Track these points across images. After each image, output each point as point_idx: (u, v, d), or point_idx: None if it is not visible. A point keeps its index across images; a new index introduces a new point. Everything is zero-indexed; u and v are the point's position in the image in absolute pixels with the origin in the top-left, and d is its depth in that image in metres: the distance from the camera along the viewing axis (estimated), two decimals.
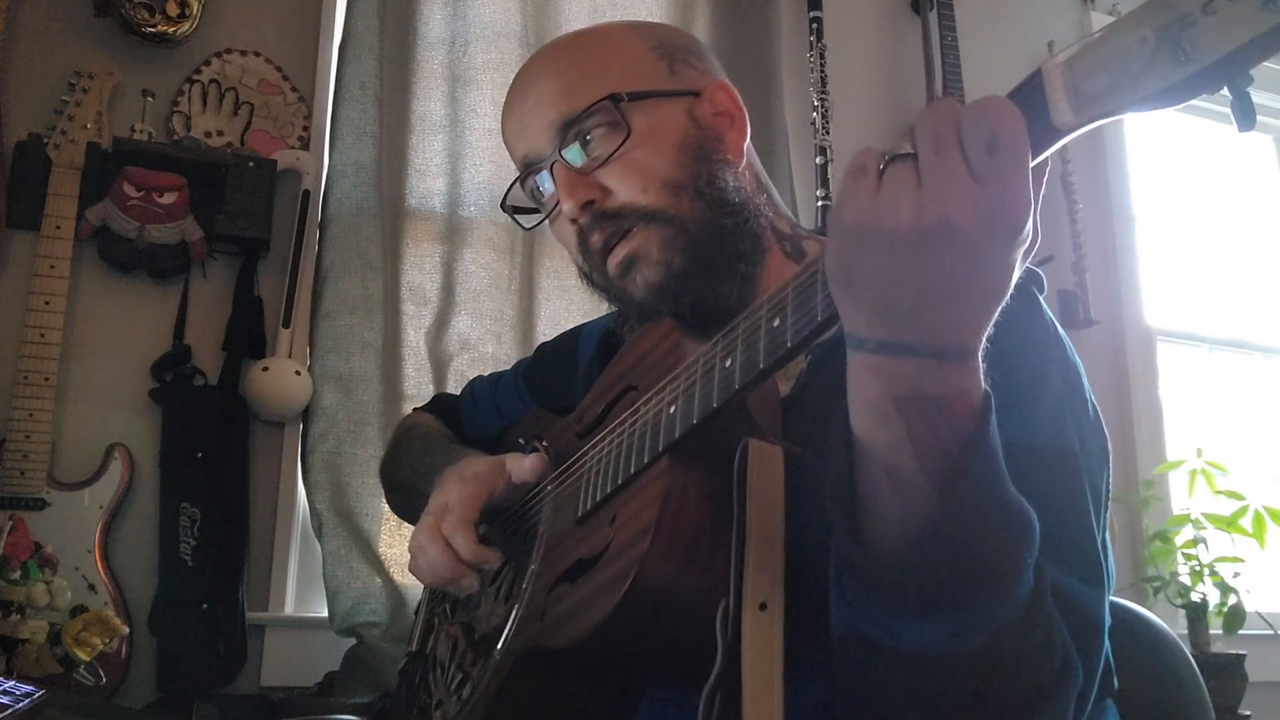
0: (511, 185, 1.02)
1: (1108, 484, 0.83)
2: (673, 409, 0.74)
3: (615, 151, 0.92)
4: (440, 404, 1.36)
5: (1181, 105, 0.49)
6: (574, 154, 0.93)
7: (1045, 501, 0.63)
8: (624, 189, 0.92)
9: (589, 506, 0.82)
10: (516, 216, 1.06)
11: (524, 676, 0.82)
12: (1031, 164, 0.54)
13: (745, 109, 0.99)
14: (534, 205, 1.02)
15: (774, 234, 0.97)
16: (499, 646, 0.86)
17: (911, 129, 0.56)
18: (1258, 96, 3.33)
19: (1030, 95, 0.54)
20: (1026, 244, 0.56)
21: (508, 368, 1.33)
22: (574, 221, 0.94)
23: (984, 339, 0.59)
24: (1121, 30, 0.50)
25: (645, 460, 0.75)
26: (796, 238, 0.98)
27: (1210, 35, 0.46)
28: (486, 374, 1.36)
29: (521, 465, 0.94)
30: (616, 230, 0.93)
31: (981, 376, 0.60)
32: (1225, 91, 0.49)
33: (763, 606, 0.67)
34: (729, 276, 0.92)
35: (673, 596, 0.70)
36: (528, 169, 0.98)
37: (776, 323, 0.66)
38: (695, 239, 0.91)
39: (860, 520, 0.64)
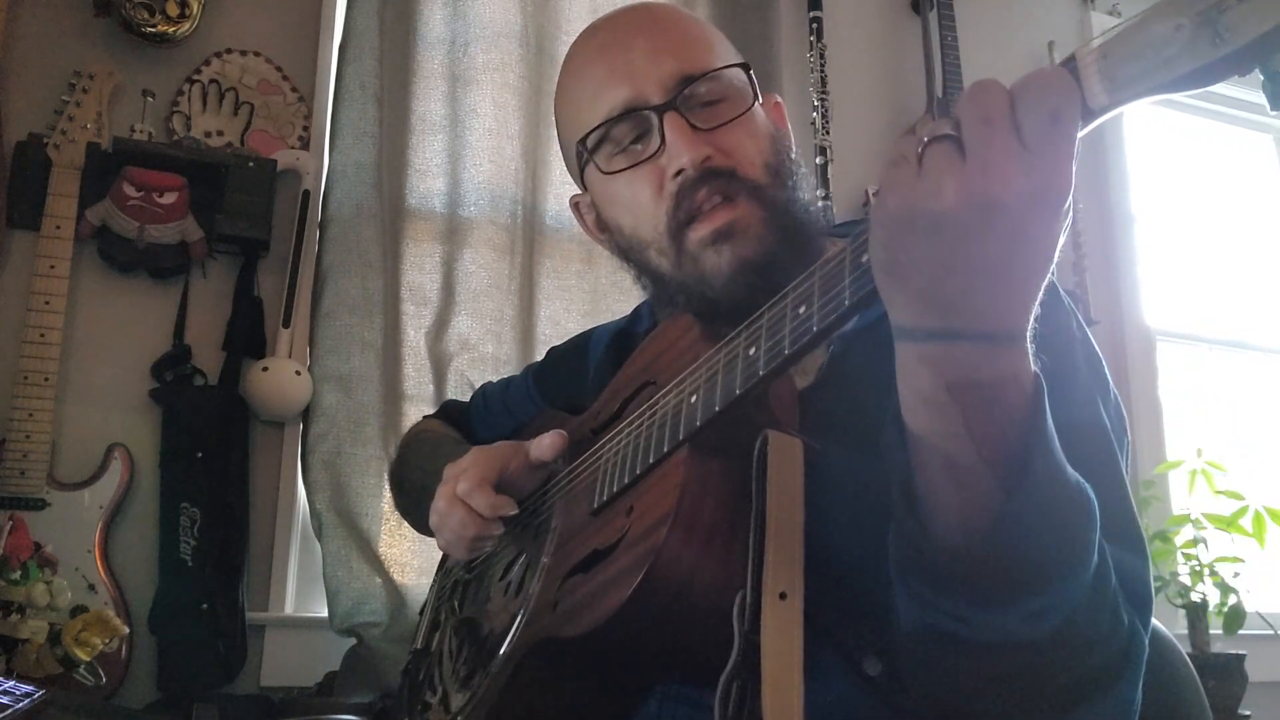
0: (598, 127, 0.94)
1: (1129, 462, 0.84)
2: (694, 399, 0.74)
3: (736, 117, 0.92)
4: (449, 410, 1.36)
5: (1212, 86, 0.51)
6: (687, 107, 0.91)
7: (1088, 478, 0.63)
8: (738, 153, 0.91)
9: (605, 498, 0.82)
10: (595, 158, 0.96)
11: (533, 669, 0.82)
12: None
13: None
14: (610, 148, 0.95)
15: None
16: (509, 639, 0.86)
17: (955, 110, 0.56)
18: (1258, 96, 3.30)
19: None
20: (1068, 219, 0.56)
21: (508, 367, 1.32)
22: (678, 175, 0.90)
23: (1031, 319, 0.59)
24: (1157, 18, 0.51)
25: (665, 450, 0.75)
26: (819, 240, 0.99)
27: (1245, 18, 0.48)
28: (495, 380, 1.36)
29: (541, 443, 0.94)
30: (723, 192, 0.89)
31: (1031, 359, 0.60)
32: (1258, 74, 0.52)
33: (783, 596, 0.68)
34: (804, 267, 0.91)
35: (689, 586, 0.70)
36: (628, 111, 0.92)
37: (803, 310, 0.66)
38: (788, 225, 0.91)
39: (922, 514, 0.64)
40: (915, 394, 0.61)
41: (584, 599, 0.77)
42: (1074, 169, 0.54)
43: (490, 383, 1.35)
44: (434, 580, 1.23)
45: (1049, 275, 0.58)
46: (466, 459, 0.96)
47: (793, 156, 0.96)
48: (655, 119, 0.91)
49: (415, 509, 1.23)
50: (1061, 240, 0.57)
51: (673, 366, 0.83)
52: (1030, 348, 0.60)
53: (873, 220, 0.59)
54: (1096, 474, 0.64)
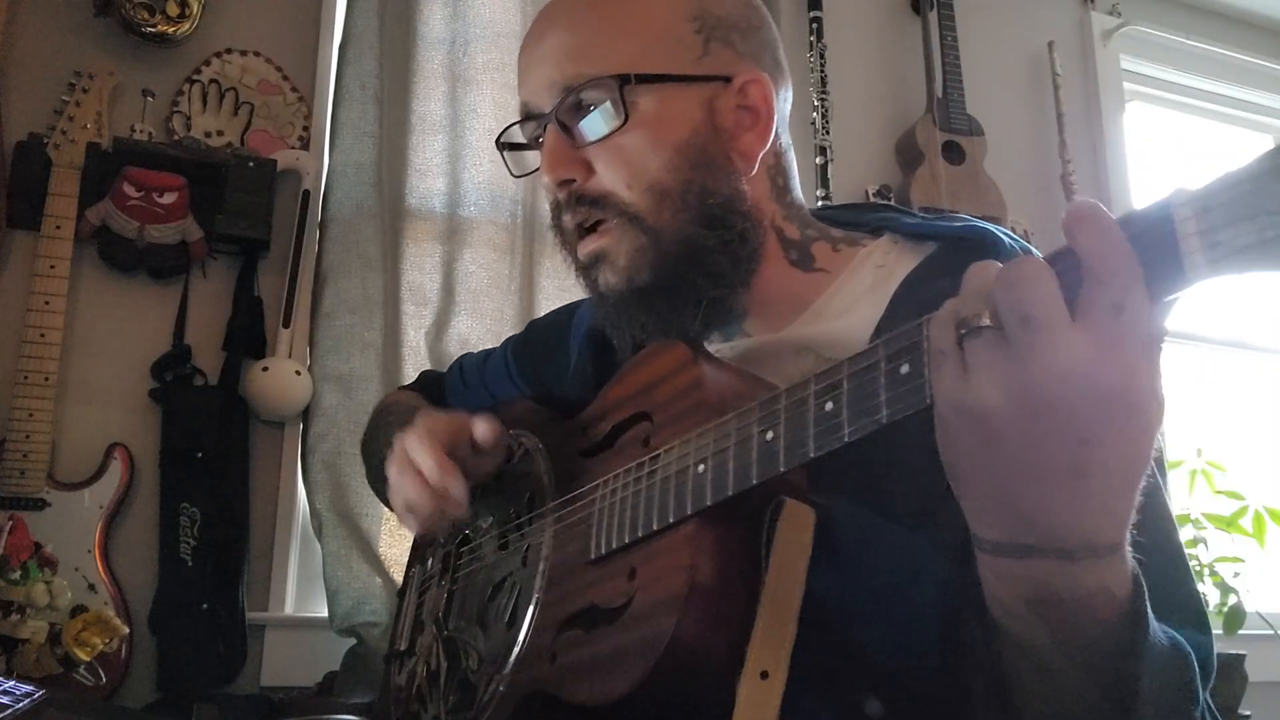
0: (509, 126, 0.95)
1: None
2: (701, 468, 0.70)
3: (608, 135, 0.85)
4: (425, 382, 1.32)
5: None
6: (569, 118, 0.87)
7: (1151, 555, 0.58)
8: (609, 176, 0.86)
9: (603, 550, 0.79)
10: (506, 156, 0.98)
11: (530, 716, 0.81)
12: (1156, 317, 0.48)
13: (775, 111, 0.91)
14: (528, 145, 0.96)
15: (780, 242, 0.92)
16: (503, 676, 0.85)
17: (991, 295, 0.49)
18: (1257, 96, 3.27)
19: (1159, 241, 0.46)
20: (1156, 422, 0.49)
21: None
22: (552, 193, 0.89)
23: (1128, 531, 0.52)
24: (1271, 169, 0.42)
25: (670, 519, 0.72)
26: (805, 242, 0.94)
27: None
28: (475, 351, 1.31)
29: (478, 428, 0.89)
30: (590, 218, 0.87)
31: (1127, 562, 0.54)
32: None
33: (764, 675, 0.65)
34: (698, 297, 0.87)
35: (700, 666, 0.68)
36: (525, 117, 0.92)
37: (829, 407, 0.59)
38: (668, 255, 0.85)
39: (1006, 693, 0.61)
40: (994, 601, 0.57)
41: (586, 665, 0.75)
42: (1154, 357, 0.48)
43: (469, 354, 1.30)
44: (409, 569, 1.21)
45: (1141, 484, 0.51)
46: (415, 429, 0.91)
47: (720, 159, 0.87)
48: (543, 129, 0.89)
49: (380, 482, 1.21)
50: (1153, 441, 0.50)
51: (671, 406, 0.79)
52: (1129, 552, 0.53)
53: (936, 420, 0.53)
54: (1159, 550, 0.60)
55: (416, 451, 0.87)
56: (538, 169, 0.90)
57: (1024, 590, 0.54)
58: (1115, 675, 0.55)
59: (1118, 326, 0.47)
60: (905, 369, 0.54)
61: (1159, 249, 0.46)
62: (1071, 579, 0.53)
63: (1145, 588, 0.55)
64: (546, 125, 0.88)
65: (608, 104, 0.85)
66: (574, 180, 0.87)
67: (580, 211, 0.88)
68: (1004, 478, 0.51)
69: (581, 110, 0.87)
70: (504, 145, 0.98)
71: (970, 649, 0.64)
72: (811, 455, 0.61)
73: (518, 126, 0.95)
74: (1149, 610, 0.56)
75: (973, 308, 0.50)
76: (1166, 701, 0.58)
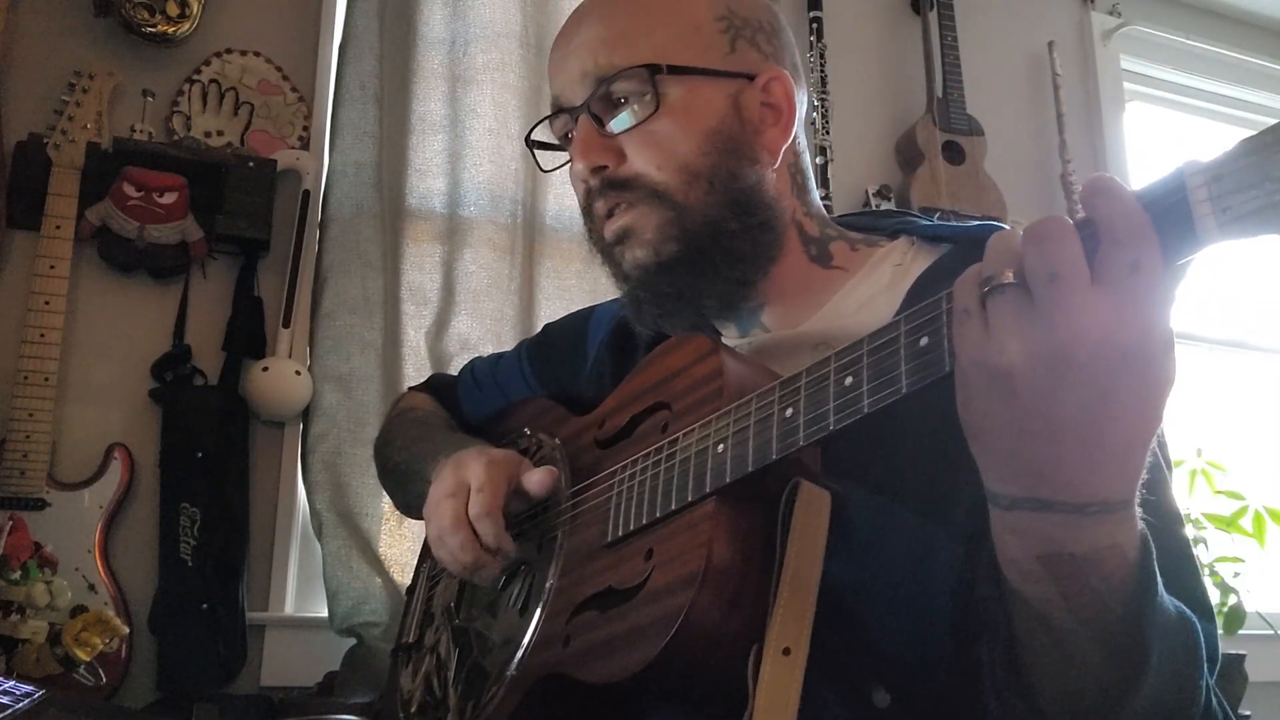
0: (539, 121, 0.99)
1: None
2: (720, 448, 0.71)
3: (640, 122, 0.89)
4: (436, 385, 1.32)
5: None
6: (601, 109, 0.91)
7: (1162, 556, 0.59)
8: (640, 160, 0.89)
9: (620, 533, 0.79)
10: (536, 153, 1.02)
11: (542, 699, 0.81)
12: (1169, 279, 0.50)
13: (798, 108, 0.94)
14: (558, 144, 0.99)
15: (800, 237, 0.94)
16: (515, 662, 0.85)
17: (1017, 253, 0.51)
18: (1257, 96, 3.26)
19: (1172, 207, 0.49)
20: (1170, 379, 0.51)
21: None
22: (584, 180, 0.92)
23: (1137, 488, 0.54)
24: (1274, 143, 0.45)
25: (689, 499, 0.73)
26: (824, 240, 0.95)
27: None
28: (485, 355, 1.33)
29: (532, 478, 0.90)
30: (620, 200, 0.90)
31: (1136, 521, 0.56)
32: None
33: (786, 651, 0.66)
34: (717, 276, 0.90)
35: (715, 644, 0.68)
36: (557, 110, 0.95)
37: (849, 381, 0.61)
38: (693, 232, 0.88)
39: (1027, 682, 0.62)
40: (1006, 558, 0.59)
41: (601, 645, 0.75)
42: (1158, 320, 0.50)
43: (480, 357, 1.32)
44: (420, 564, 1.21)
45: (1153, 441, 0.53)
46: (476, 472, 0.90)
47: (747, 149, 0.90)
48: (573, 121, 0.93)
49: (397, 488, 1.21)
50: (1166, 399, 0.52)
51: (690, 395, 0.80)
52: (1138, 511, 0.55)
53: (956, 378, 0.55)
54: (1165, 545, 0.61)
55: (478, 510, 0.87)
56: (568, 162, 0.93)
57: (1037, 546, 0.56)
58: (1124, 638, 0.57)
59: (1134, 285, 0.49)
60: (925, 341, 0.56)
61: (1173, 214, 0.49)
62: (1084, 534, 0.54)
63: (1154, 550, 0.57)
64: (579, 116, 0.91)
65: (639, 93, 0.89)
66: (605, 167, 0.90)
67: (611, 196, 0.91)
68: (1021, 433, 0.53)
69: (613, 100, 0.90)
70: (533, 144, 1.02)
71: (983, 619, 0.64)
72: (832, 428, 0.62)
73: (546, 124, 0.98)
74: (1157, 573, 0.57)
75: (996, 267, 0.52)
76: (1173, 669, 0.59)
